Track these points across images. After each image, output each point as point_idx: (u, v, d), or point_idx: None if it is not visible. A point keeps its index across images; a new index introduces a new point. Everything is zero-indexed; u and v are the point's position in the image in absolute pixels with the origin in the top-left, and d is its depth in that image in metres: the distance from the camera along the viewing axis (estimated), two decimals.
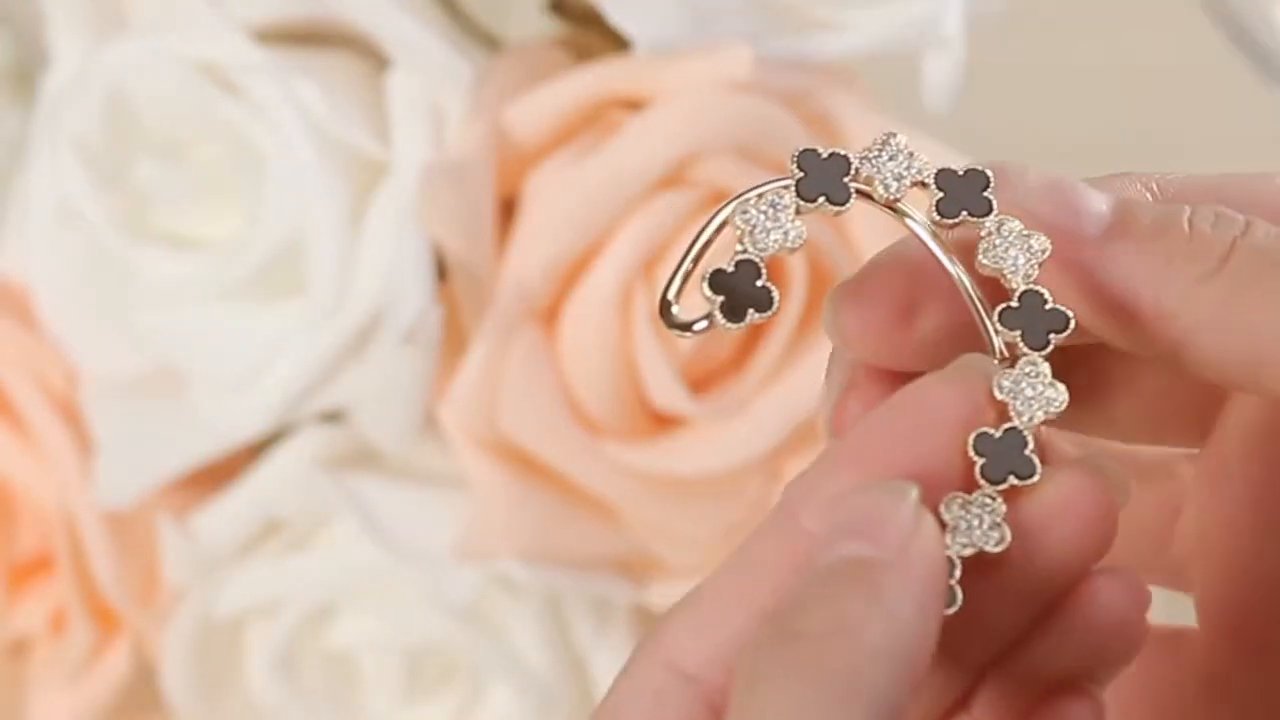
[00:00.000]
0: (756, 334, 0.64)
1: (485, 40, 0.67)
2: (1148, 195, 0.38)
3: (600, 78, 0.64)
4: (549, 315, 0.64)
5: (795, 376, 0.64)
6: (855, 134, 0.64)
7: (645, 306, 0.64)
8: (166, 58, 0.62)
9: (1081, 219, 0.36)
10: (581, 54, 0.66)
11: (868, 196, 0.37)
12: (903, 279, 0.37)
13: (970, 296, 0.36)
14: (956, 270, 0.36)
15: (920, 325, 0.37)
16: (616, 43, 0.64)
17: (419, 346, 0.62)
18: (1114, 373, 0.40)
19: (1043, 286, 0.36)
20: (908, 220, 0.36)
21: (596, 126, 0.64)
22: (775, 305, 0.36)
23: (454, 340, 0.64)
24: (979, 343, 0.37)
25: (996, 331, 0.36)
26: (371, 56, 0.65)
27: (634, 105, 0.64)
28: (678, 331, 0.36)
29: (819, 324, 0.64)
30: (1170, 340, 0.36)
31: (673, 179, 0.63)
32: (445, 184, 0.62)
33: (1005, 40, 0.65)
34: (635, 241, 0.63)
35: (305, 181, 0.62)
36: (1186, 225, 0.36)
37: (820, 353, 0.61)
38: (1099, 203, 0.37)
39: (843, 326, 0.37)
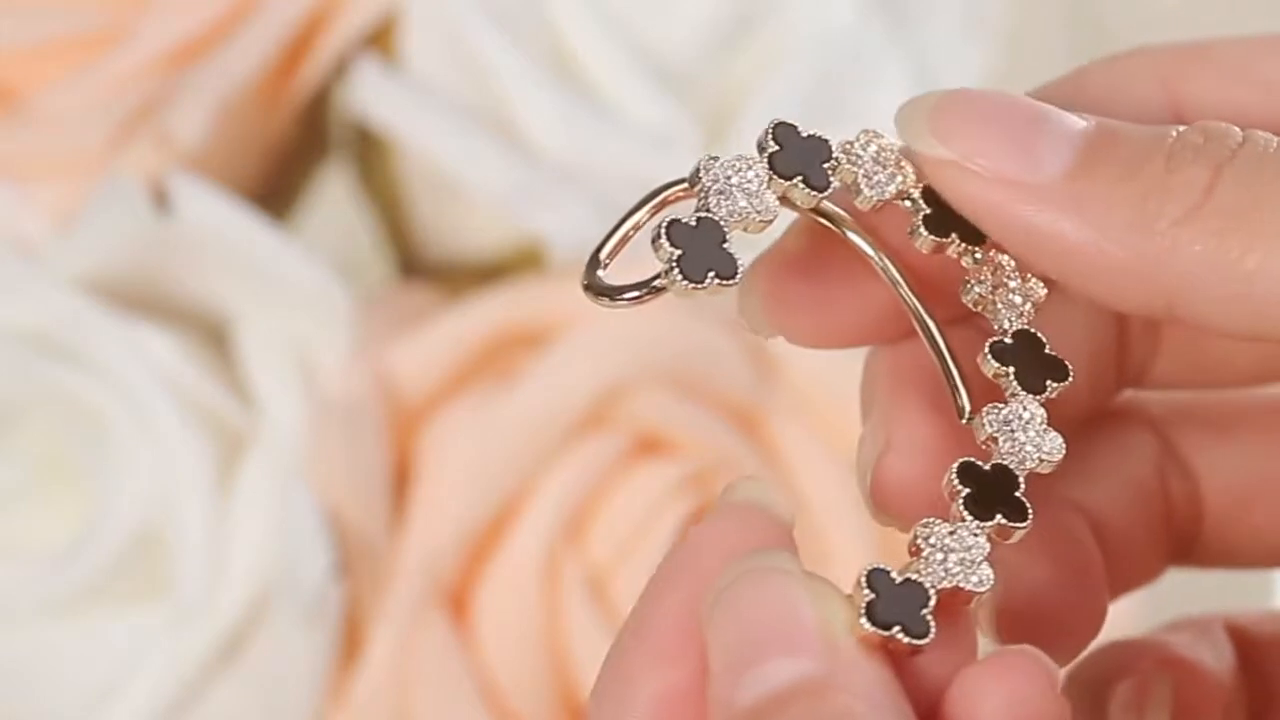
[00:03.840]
0: None
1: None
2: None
3: (500, 307, 0.54)
4: (458, 597, 0.53)
5: None
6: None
7: (576, 578, 0.53)
8: None
9: (1037, 159, 0.31)
10: (451, 292, 0.57)
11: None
12: (819, 250, 0.33)
13: (938, 345, 0.33)
14: (926, 315, 0.33)
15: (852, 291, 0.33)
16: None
17: (311, 638, 0.51)
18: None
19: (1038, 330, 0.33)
20: (862, 245, 0.33)
21: (494, 369, 0.55)
22: (739, 276, 0.31)
23: (349, 634, 0.53)
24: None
25: (962, 388, 0.32)
26: (206, 328, 0.55)
27: (537, 342, 0.55)
28: (604, 300, 0.31)
29: None
30: (1159, 301, 0.30)
31: (596, 419, 0.54)
32: (330, 433, 0.51)
33: None
34: (557, 499, 0.54)
35: (164, 451, 0.52)
36: (1166, 154, 0.30)
37: None
38: (1061, 139, 0.31)
39: (766, 302, 0.33)
